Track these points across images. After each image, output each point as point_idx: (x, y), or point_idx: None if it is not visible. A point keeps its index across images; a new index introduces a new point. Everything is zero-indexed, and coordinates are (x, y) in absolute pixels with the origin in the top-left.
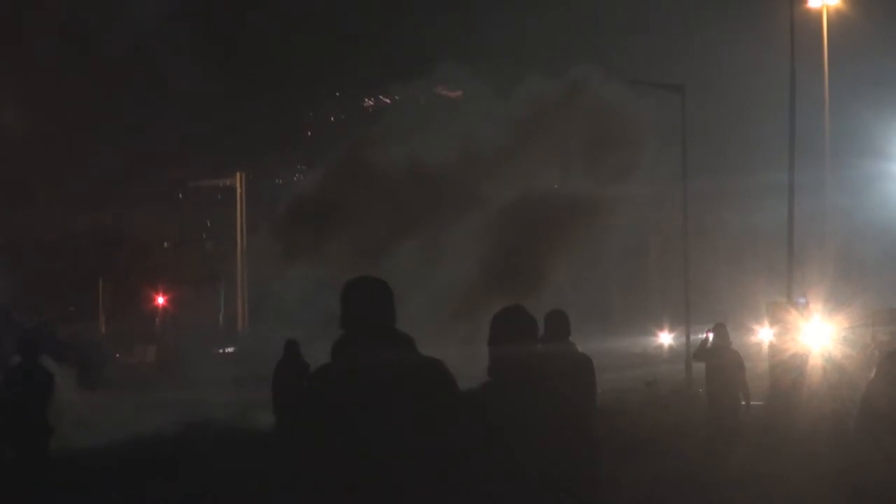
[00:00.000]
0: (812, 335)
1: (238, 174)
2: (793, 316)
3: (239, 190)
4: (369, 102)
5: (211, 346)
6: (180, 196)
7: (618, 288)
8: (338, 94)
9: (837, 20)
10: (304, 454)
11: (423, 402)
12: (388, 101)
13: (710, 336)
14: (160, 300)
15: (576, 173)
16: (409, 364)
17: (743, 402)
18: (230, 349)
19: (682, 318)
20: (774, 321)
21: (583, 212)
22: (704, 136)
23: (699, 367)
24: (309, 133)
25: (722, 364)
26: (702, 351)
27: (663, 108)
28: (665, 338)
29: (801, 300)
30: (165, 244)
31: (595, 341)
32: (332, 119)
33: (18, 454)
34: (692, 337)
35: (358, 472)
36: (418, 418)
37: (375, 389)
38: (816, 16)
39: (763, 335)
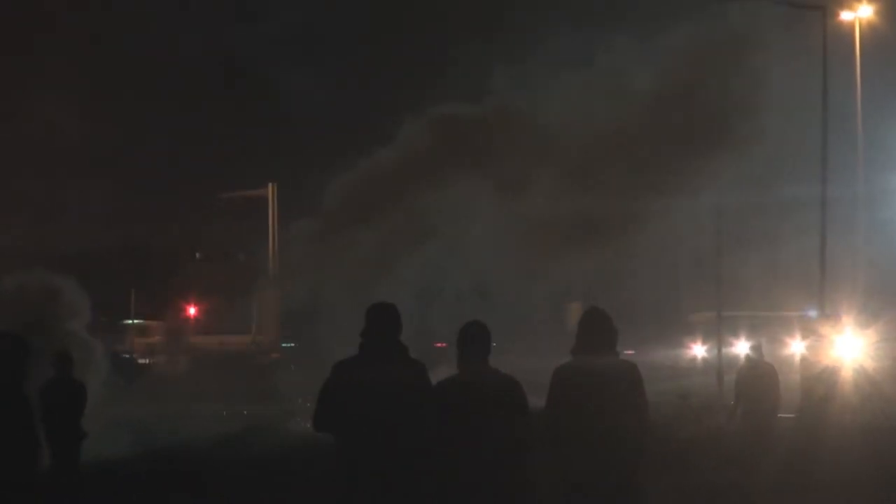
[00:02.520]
0: (844, 348)
1: (270, 185)
2: (825, 329)
3: (271, 201)
4: None
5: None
6: (214, 207)
7: (650, 299)
8: None
9: (870, 33)
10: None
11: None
12: None
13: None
14: (192, 311)
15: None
16: None
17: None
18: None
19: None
20: (806, 334)
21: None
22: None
23: (730, 379)
24: None
25: (756, 376)
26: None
27: None
28: (699, 350)
29: (811, 313)
30: (197, 255)
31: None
32: None
33: (54, 463)
34: (724, 349)
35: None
36: None
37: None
38: (849, 29)
39: (795, 348)
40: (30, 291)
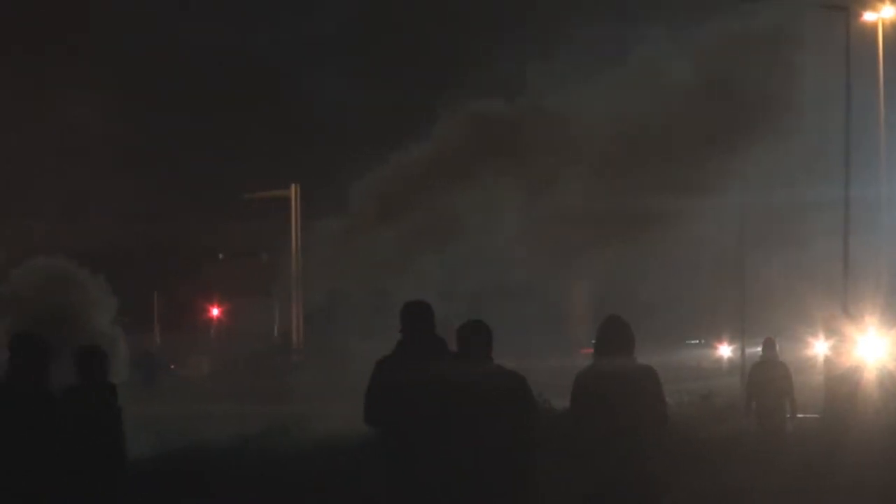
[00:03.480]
0: (868, 348)
1: (293, 186)
2: (848, 328)
3: (294, 202)
4: None
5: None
6: (237, 207)
7: (674, 299)
8: None
9: (894, 33)
10: None
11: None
12: None
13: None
14: (214, 312)
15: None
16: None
17: (788, 415)
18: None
19: (740, 331)
20: (829, 334)
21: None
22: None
23: (754, 380)
24: None
25: (770, 377)
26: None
27: None
28: (724, 350)
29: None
30: (220, 256)
31: (649, 353)
32: None
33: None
34: (748, 350)
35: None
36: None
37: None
38: (872, 29)
39: (818, 348)
40: (52, 278)
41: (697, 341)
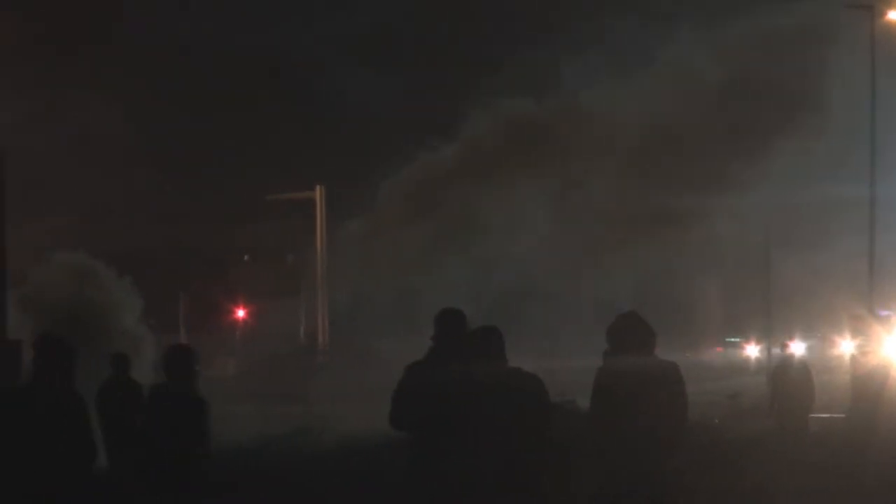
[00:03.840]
0: (894, 347)
1: (318, 187)
2: (874, 328)
3: (319, 203)
4: None
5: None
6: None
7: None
8: None
9: None
10: None
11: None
12: None
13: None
14: (240, 313)
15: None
16: None
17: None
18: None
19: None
20: (856, 333)
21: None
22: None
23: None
24: None
25: (791, 377)
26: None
27: None
28: (752, 350)
29: (885, 312)
30: (245, 257)
31: (678, 353)
32: None
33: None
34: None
35: None
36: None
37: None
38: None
39: (845, 347)
40: (77, 275)
41: (737, 339)
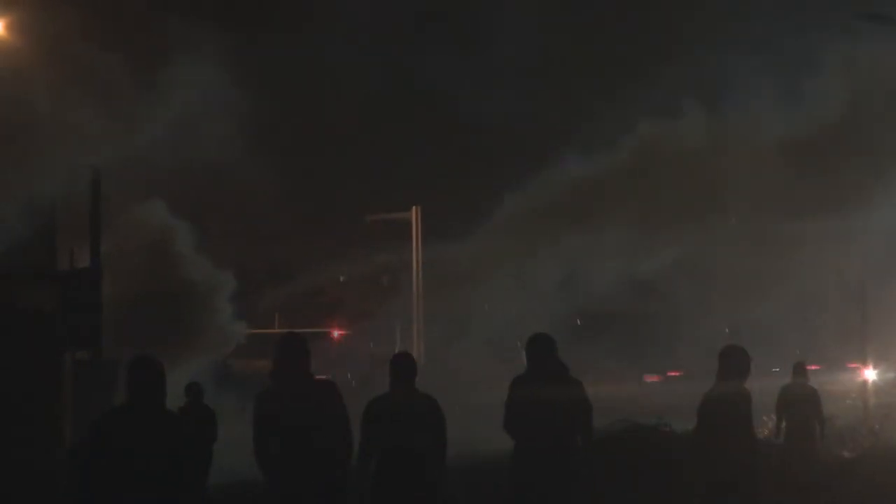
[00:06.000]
0: None
1: (414, 208)
2: None
3: (415, 224)
4: None
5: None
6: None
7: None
8: None
9: None
10: None
11: None
12: None
13: None
14: (335, 334)
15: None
16: None
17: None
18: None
19: (884, 355)
20: (878, 362)
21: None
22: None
23: (879, 402)
24: None
25: (797, 398)
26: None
27: None
28: (869, 374)
29: None
30: (341, 279)
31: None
32: None
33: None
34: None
35: None
36: None
37: None
38: None
39: (867, 374)
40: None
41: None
